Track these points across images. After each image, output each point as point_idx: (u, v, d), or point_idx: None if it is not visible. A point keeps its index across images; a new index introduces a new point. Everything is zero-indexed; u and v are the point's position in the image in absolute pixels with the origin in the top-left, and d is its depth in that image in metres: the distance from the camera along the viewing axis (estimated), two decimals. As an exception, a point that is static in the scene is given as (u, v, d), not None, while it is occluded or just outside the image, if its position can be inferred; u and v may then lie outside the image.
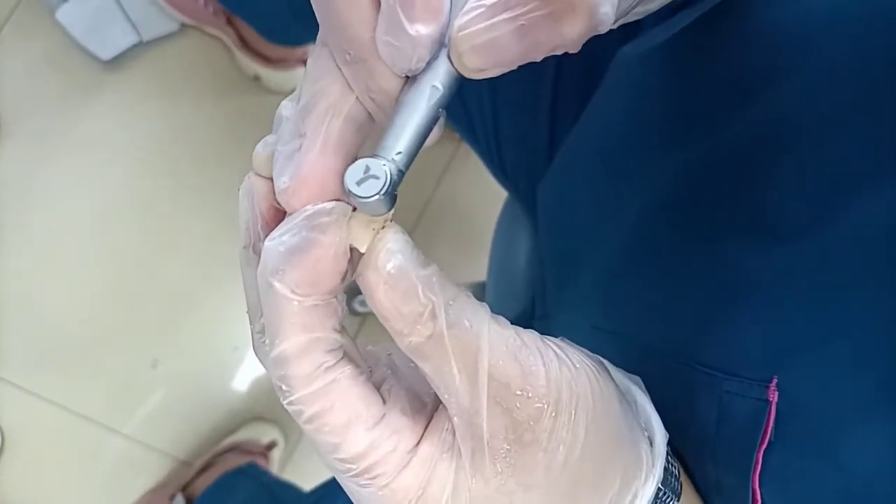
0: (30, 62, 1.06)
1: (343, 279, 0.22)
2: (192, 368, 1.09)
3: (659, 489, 0.27)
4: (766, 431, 0.28)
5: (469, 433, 0.23)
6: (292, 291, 0.21)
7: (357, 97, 0.22)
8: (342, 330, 0.23)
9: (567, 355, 0.24)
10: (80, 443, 1.06)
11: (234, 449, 1.05)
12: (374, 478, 0.23)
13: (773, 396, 0.28)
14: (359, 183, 0.21)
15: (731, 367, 0.30)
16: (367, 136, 0.23)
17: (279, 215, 0.23)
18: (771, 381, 0.28)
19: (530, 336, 0.23)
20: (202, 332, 1.10)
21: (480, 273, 0.82)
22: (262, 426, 1.09)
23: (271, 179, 0.23)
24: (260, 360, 0.24)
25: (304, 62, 1.09)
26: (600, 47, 0.35)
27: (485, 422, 0.22)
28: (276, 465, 1.07)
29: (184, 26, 1.08)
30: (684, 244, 0.36)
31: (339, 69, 0.22)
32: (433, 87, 0.21)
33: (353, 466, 0.23)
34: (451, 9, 0.21)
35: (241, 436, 1.07)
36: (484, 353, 0.22)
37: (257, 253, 0.23)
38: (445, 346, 0.21)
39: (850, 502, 0.26)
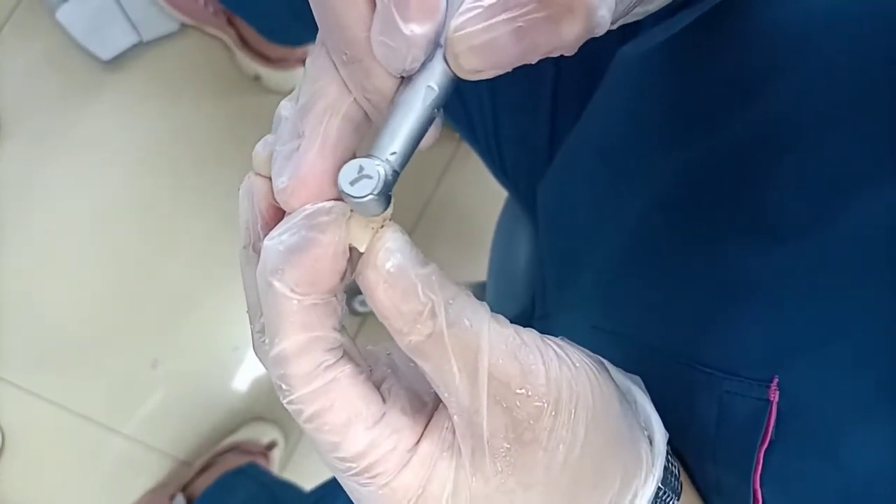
0: (30, 62, 1.06)
1: (342, 278, 0.22)
2: (192, 368, 1.09)
3: (659, 488, 0.27)
4: (766, 431, 0.28)
5: (469, 432, 0.23)
6: (291, 290, 0.21)
7: (355, 97, 0.22)
8: (342, 329, 0.23)
9: (567, 354, 0.24)
10: (80, 443, 1.06)
11: (234, 449, 1.05)
12: (374, 476, 0.23)
13: (774, 396, 0.28)
14: (352, 183, 0.20)
15: (731, 366, 0.30)
16: (365, 136, 0.23)
17: (279, 215, 0.23)
18: (772, 381, 0.28)
19: (530, 335, 0.23)
20: (202, 332, 1.10)
21: (480, 273, 0.82)
22: (262, 426, 1.09)
23: (271, 179, 0.23)
24: (260, 360, 0.24)
25: (304, 62, 1.09)
26: (600, 47, 0.35)
27: (485, 420, 0.22)
28: (276, 465, 1.07)
29: (184, 26, 1.08)
30: (684, 244, 0.36)
31: (337, 69, 0.22)
32: (428, 87, 0.21)
33: (353, 465, 0.23)
34: (446, 9, 0.21)
35: (241, 436, 1.07)
36: (484, 352, 0.22)
37: (257, 252, 0.23)
38: (445, 344, 0.21)
39: (850, 502, 0.26)
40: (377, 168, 0.20)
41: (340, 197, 0.22)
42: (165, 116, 1.09)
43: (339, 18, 0.21)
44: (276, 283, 0.21)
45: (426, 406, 0.24)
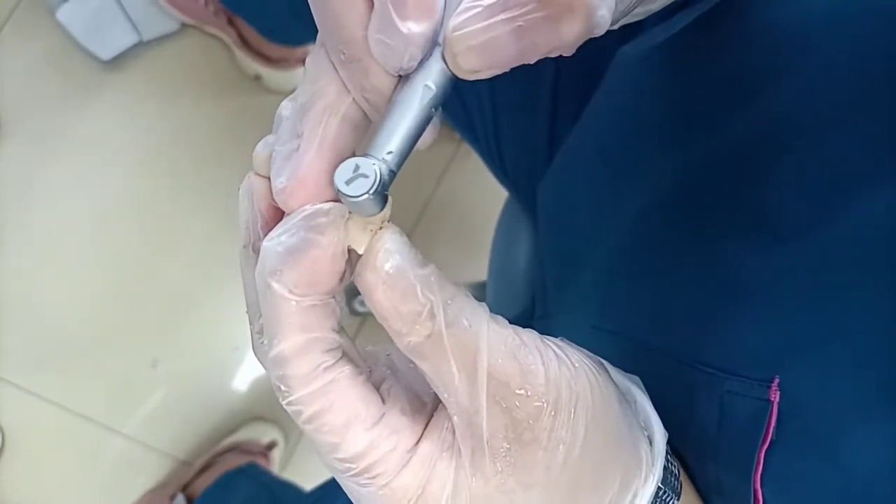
0: (30, 62, 1.06)
1: (341, 280, 0.22)
2: (192, 368, 1.09)
3: (659, 488, 0.27)
4: (767, 431, 0.28)
5: (469, 432, 0.23)
6: (290, 291, 0.21)
7: (354, 97, 0.22)
8: (341, 330, 0.23)
9: (566, 355, 0.24)
10: (80, 443, 1.06)
11: (234, 449, 1.05)
12: (373, 477, 0.23)
13: (775, 396, 0.28)
14: (348, 182, 0.20)
15: (731, 366, 0.30)
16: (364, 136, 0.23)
17: (279, 215, 0.23)
18: (772, 381, 0.28)
19: (529, 335, 0.23)
20: (202, 332, 1.10)
21: (480, 273, 0.82)
22: (262, 426, 1.09)
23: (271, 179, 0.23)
24: (259, 360, 0.24)
25: (305, 62, 1.09)
26: (600, 47, 0.35)
27: (484, 421, 0.22)
28: (276, 465, 1.07)
29: (184, 26, 1.08)
30: (684, 244, 0.36)
31: (336, 70, 0.22)
32: (426, 86, 0.21)
33: (353, 466, 0.23)
34: (444, 7, 0.20)
35: (241, 436, 1.07)
36: (483, 352, 0.22)
37: (257, 252, 0.23)
38: (444, 345, 0.21)
39: (850, 502, 0.26)
40: (373, 167, 0.20)
41: (338, 197, 0.22)
42: (165, 116, 1.09)
43: (338, 18, 0.21)
44: (275, 285, 0.21)
45: (426, 407, 0.24)
